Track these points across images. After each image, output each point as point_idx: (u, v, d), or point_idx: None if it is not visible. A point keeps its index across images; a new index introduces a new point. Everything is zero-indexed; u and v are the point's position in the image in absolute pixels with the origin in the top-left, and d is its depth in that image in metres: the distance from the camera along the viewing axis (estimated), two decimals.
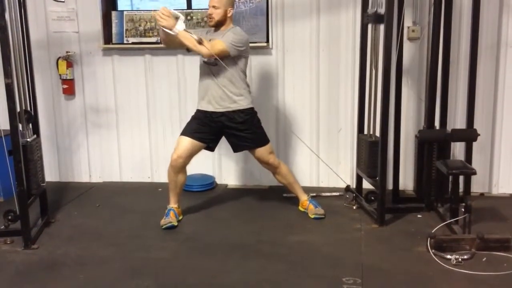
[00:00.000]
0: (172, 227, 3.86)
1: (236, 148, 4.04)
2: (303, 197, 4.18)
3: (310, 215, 4.06)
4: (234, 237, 3.76)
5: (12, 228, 3.69)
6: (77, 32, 4.81)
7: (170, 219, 3.91)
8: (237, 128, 3.89)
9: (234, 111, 3.85)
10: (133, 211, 4.29)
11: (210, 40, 3.71)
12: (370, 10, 3.97)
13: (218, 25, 3.81)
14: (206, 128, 3.90)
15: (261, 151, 3.97)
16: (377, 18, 3.88)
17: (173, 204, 4.02)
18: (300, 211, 4.17)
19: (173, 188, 4.00)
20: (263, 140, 3.99)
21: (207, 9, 4.63)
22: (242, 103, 3.86)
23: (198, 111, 3.94)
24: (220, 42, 3.68)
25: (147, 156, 5.00)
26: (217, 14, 3.76)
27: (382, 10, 3.77)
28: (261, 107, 4.18)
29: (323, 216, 4.02)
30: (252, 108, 3.92)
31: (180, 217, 4.03)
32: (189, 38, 3.61)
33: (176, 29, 3.58)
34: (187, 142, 3.87)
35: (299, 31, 4.54)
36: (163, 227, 3.86)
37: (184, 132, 3.91)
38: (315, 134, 4.70)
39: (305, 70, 4.60)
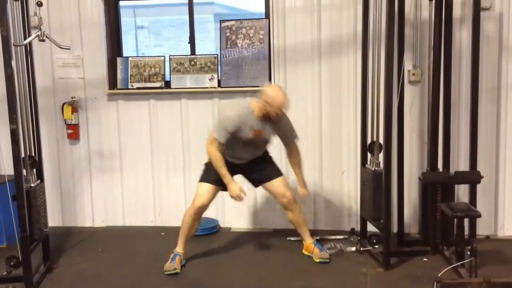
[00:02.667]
0: (176, 274, 3.83)
1: (258, 181, 4.07)
2: (309, 240, 4.14)
3: (315, 259, 4.01)
4: (238, 282, 3.72)
5: (14, 274, 3.66)
6: (83, 78, 4.89)
7: (175, 265, 3.88)
8: (253, 162, 3.98)
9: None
10: (136, 256, 4.26)
11: (257, 130, 3.84)
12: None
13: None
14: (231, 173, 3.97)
15: (279, 181, 3.99)
16: None
17: (180, 250, 4.00)
18: (304, 255, 4.13)
19: (186, 233, 4.00)
20: (278, 170, 4.07)
21: (210, 54, 4.79)
22: None
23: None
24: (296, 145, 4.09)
25: (151, 200, 4.99)
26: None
27: None
28: None
29: (328, 260, 3.98)
30: None
31: (184, 262, 4.00)
32: None
33: None
34: (211, 189, 3.93)
35: (301, 75, 4.60)
36: (167, 272, 3.83)
37: (207, 180, 3.95)
38: (318, 176, 4.70)
39: (307, 114, 4.64)
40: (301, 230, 4.16)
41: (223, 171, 3.85)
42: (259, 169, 4.02)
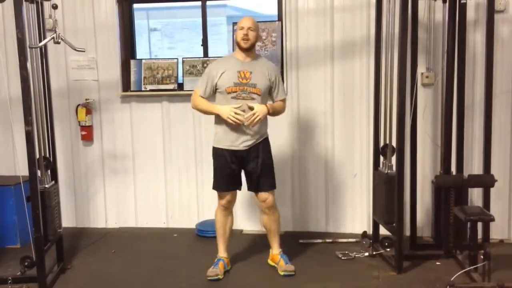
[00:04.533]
0: (217, 280, 3.76)
1: (251, 186, 3.85)
2: (276, 251, 3.97)
3: (279, 272, 3.84)
4: (250, 284, 3.73)
5: (28, 275, 3.69)
6: (97, 80, 4.92)
7: (218, 270, 3.80)
8: (254, 160, 3.76)
9: (260, 142, 3.79)
10: (149, 257, 4.28)
11: (242, 71, 3.67)
12: None
13: (249, 49, 3.72)
14: (237, 170, 3.81)
15: (267, 193, 3.82)
16: None
17: (222, 254, 3.93)
18: (316, 257, 4.12)
19: (221, 234, 3.93)
20: (273, 184, 3.85)
21: (222, 57, 4.79)
22: (266, 133, 3.86)
23: (225, 151, 3.75)
24: (283, 98, 3.89)
25: (163, 202, 5.01)
26: (253, 36, 3.68)
27: None
28: (275, 153, 4.17)
29: (293, 273, 3.80)
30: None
31: (229, 267, 3.93)
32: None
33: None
34: (228, 195, 3.85)
35: (314, 77, 4.59)
36: (209, 278, 3.76)
37: (218, 188, 3.83)
38: (330, 179, 4.69)
39: (319, 116, 4.63)
40: (271, 237, 3.99)
41: (210, 107, 3.73)
42: (257, 174, 3.77)
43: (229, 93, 3.68)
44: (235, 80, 3.68)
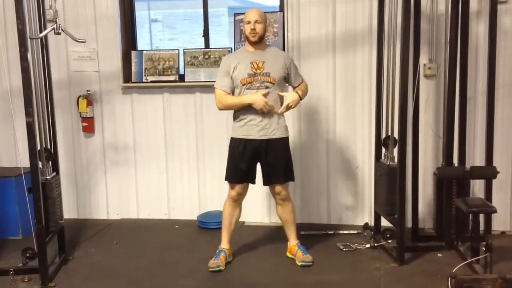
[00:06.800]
0: (219, 272, 3.77)
1: (268, 179, 3.85)
2: (293, 242, 3.97)
3: (297, 262, 3.85)
4: (252, 276, 3.73)
5: (30, 266, 3.70)
6: (98, 71, 4.91)
7: (219, 262, 3.80)
8: (275, 157, 3.79)
9: (280, 138, 3.80)
10: (150, 249, 4.28)
11: (254, 62, 3.70)
12: None
13: (258, 42, 3.74)
14: (252, 163, 3.80)
15: (283, 185, 3.86)
16: None
17: (224, 245, 3.92)
18: (319, 249, 4.12)
19: (227, 225, 3.92)
20: (289, 175, 3.88)
21: (224, 48, 4.78)
22: (287, 130, 3.87)
23: (243, 141, 3.76)
24: (301, 80, 3.94)
25: (164, 193, 5.01)
26: (260, 29, 3.70)
27: None
28: None
29: (311, 264, 3.81)
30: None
31: (230, 259, 3.93)
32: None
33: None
34: (240, 187, 3.84)
35: (315, 69, 4.57)
36: (210, 269, 3.76)
37: (231, 180, 3.83)
38: (332, 171, 4.69)
39: (321, 108, 4.62)
40: (287, 229, 4.00)
41: (241, 100, 3.71)
42: (274, 166, 3.78)
43: (244, 84, 3.71)
44: (248, 71, 3.71)
